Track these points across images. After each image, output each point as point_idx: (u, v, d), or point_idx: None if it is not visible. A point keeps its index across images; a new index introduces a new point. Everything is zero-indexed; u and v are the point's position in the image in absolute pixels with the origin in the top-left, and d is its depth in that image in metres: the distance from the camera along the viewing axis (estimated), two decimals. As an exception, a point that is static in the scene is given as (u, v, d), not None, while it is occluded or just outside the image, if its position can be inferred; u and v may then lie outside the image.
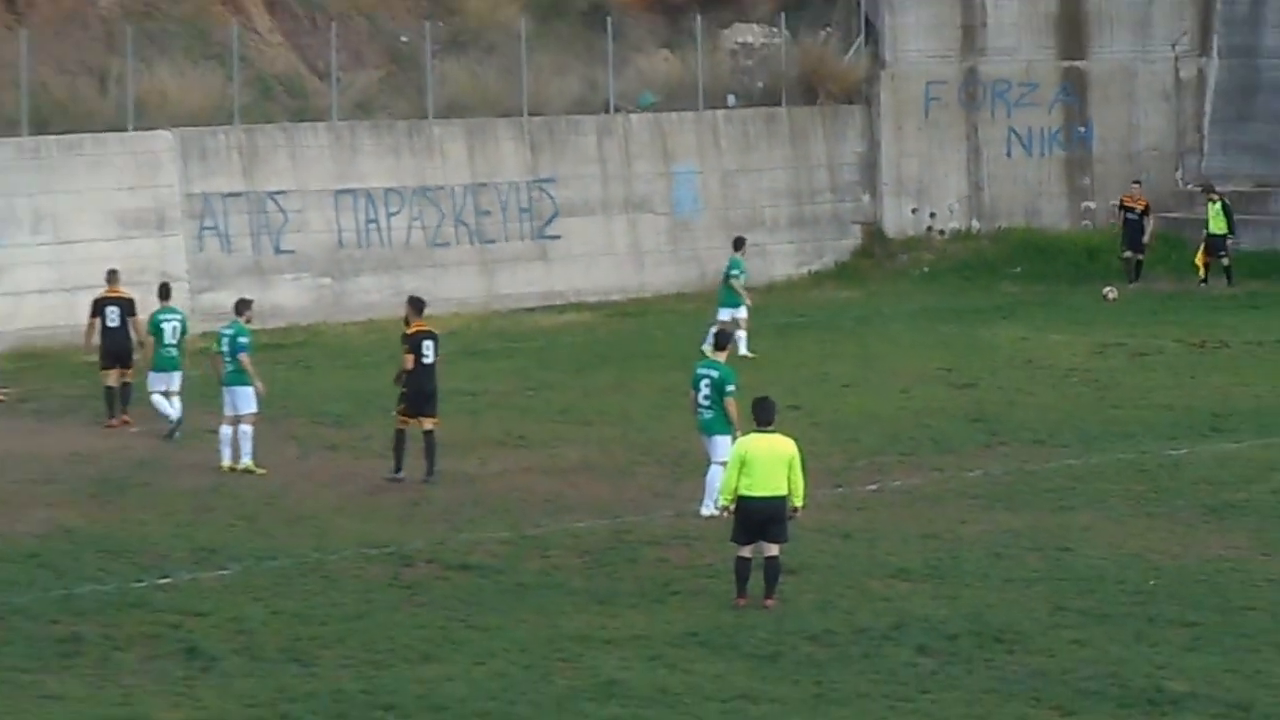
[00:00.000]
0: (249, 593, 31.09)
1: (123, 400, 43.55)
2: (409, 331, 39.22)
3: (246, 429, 39.55)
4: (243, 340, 39.88)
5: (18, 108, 52.99)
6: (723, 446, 33.64)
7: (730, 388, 34.51)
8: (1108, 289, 59.15)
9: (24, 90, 53.04)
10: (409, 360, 38.72)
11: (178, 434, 42.26)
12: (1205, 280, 60.33)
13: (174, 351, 43.01)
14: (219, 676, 27.27)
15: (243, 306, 41.25)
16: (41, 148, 52.92)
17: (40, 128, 53.22)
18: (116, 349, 43.41)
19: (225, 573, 32.23)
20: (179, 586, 31.47)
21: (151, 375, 43.00)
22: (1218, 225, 60.39)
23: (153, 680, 27.10)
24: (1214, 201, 60.89)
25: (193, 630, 29.20)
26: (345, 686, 26.76)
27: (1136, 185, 62.18)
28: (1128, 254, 60.96)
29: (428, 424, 38.65)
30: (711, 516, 33.45)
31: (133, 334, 43.51)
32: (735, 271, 50.81)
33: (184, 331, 43.37)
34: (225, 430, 39.55)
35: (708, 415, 34.93)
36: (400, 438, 38.68)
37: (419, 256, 57.36)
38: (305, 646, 28.49)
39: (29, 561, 32.98)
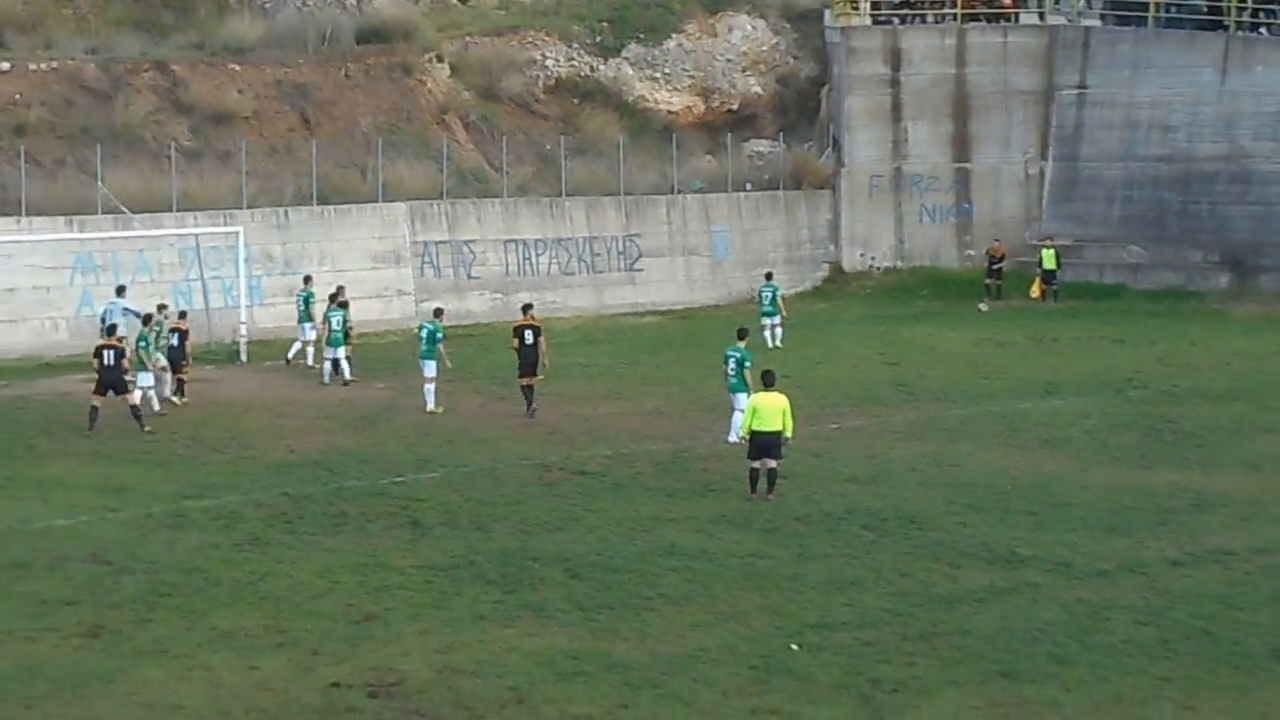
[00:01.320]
0: (450, 487, 31.10)
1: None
2: (517, 324, 39.66)
3: (430, 387, 39.55)
4: (438, 335, 39.95)
5: (310, 187, 53.06)
6: (742, 400, 33.59)
7: (748, 363, 34.48)
8: (981, 304, 58.91)
9: (314, 176, 53.09)
10: (515, 342, 39.28)
11: (345, 383, 42.93)
12: (1042, 300, 59.77)
13: (340, 335, 43.26)
14: (431, 539, 27.31)
15: (438, 313, 41.34)
16: (325, 213, 52.97)
17: (324, 199, 53.26)
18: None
19: (435, 475, 32.25)
20: (407, 483, 31.50)
21: (326, 348, 43.41)
22: (1049, 263, 60.46)
23: (390, 540, 27.16)
24: (1048, 248, 61.01)
25: (415, 510, 29.24)
26: (509, 545, 26.77)
27: (997, 241, 61.74)
28: (989, 282, 60.43)
29: (531, 381, 38.85)
30: (734, 444, 33.38)
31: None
32: (771, 295, 50.64)
33: (346, 322, 43.37)
34: (428, 387, 39.55)
35: (733, 380, 34.89)
36: (523, 390, 38.88)
37: (555, 281, 57.30)
38: (484, 520, 28.51)
39: (315, 466, 33.06)
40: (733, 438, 34.05)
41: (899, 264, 64.33)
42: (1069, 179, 63.71)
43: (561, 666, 20.97)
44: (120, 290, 44.60)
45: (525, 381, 39.15)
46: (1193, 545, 26.95)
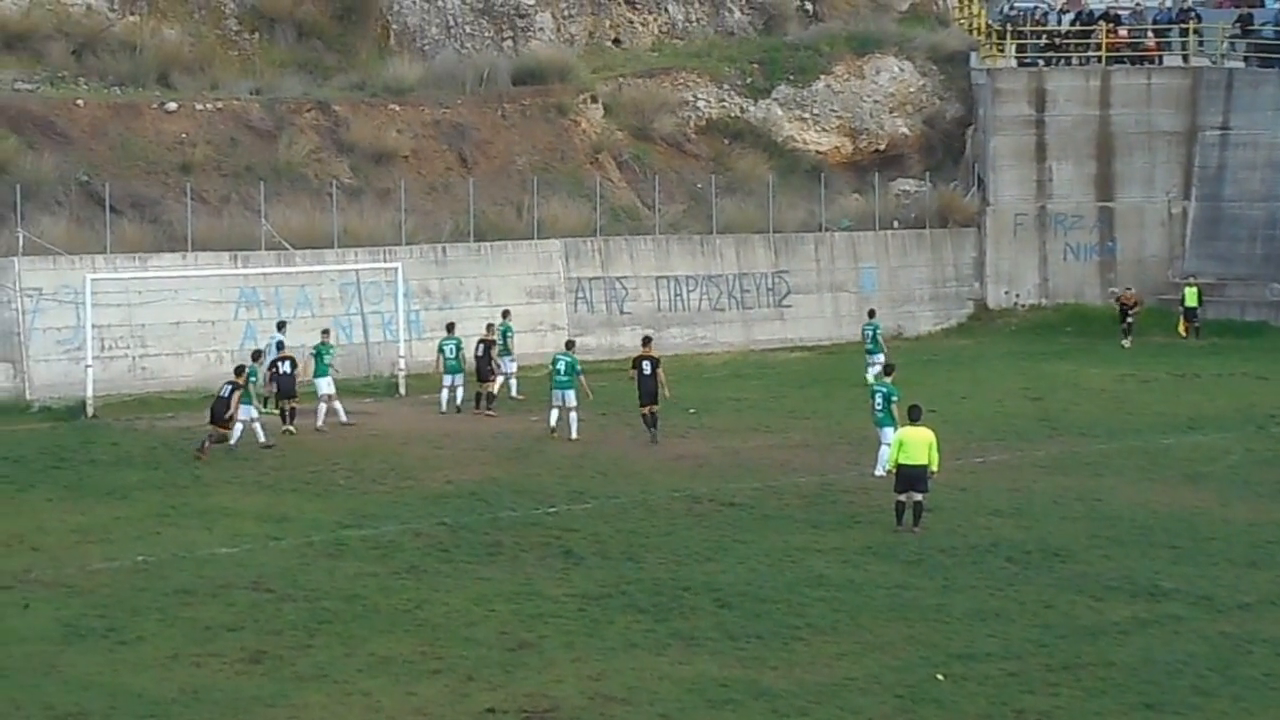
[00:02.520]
0: (602, 518, 31.20)
1: (488, 401, 44.25)
2: (636, 356, 40.52)
3: (572, 415, 40.09)
4: (577, 366, 40.52)
5: (467, 224, 53.47)
6: (889, 434, 33.45)
7: (895, 398, 34.35)
8: (1124, 341, 58.21)
9: (471, 214, 53.50)
10: (633, 372, 40.12)
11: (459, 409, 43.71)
12: (1185, 337, 58.78)
13: (455, 362, 44.06)
14: (584, 569, 27.41)
15: (570, 345, 42.21)
16: (481, 249, 53.32)
17: (480, 236, 53.64)
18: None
19: (588, 506, 32.36)
20: (560, 513, 31.63)
21: (444, 376, 44.04)
22: (1192, 301, 59.58)
23: (544, 570, 27.27)
24: (1191, 286, 59.88)
25: (568, 540, 29.36)
26: (660, 575, 26.82)
27: (1129, 289, 60.15)
28: (1124, 327, 58.95)
29: (652, 410, 39.60)
30: (881, 477, 33.25)
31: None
32: (872, 333, 50.07)
33: (459, 349, 44.30)
34: (554, 413, 40.33)
35: (880, 415, 34.74)
36: (644, 418, 39.75)
37: (706, 317, 57.28)
38: (636, 550, 28.57)
39: (471, 497, 33.27)
40: (879, 471, 33.91)
41: (1043, 301, 63.80)
42: (1212, 218, 62.93)
43: (711, 694, 20.98)
44: (281, 325, 45.18)
45: (646, 410, 39.76)
46: (1339, 581, 26.56)
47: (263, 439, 38.72)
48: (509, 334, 46.48)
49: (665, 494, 33.42)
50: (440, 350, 44.38)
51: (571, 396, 40.18)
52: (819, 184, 60.74)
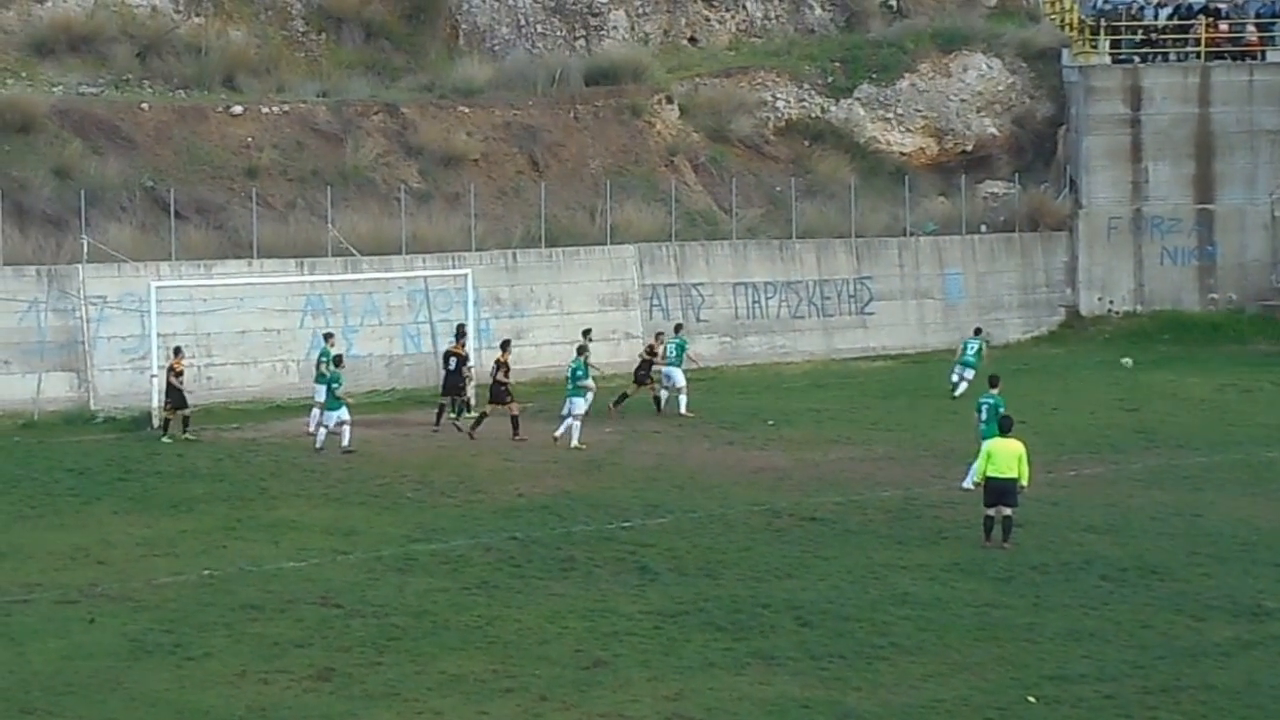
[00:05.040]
0: (678, 533, 31.26)
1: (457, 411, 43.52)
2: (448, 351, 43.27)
3: (575, 421, 40.56)
4: (579, 371, 41.06)
5: (539, 229, 53.64)
6: None
7: (1002, 410, 34.28)
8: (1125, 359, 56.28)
9: (542, 218, 53.65)
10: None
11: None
12: None
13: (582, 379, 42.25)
14: (660, 585, 27.49)
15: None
16: (553, 255, 53.47)
17: (552, 242, 53.79)
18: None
19: (663, 520, 32.43)
20: (634, 528, 31.71)
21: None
22: None
23: (618, 586, 27.37)
24: None
25: (643, 555, 29.44)
26: (738, 592, 26.86)
27: None
28: None
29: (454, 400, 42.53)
30: (969, 489, 33.21)
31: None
32: (976, 348, 49.92)
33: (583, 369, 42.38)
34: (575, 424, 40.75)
35: (985, 428, 34.37)
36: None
37: (785, 325, 57.24)
38: (713, 566, 28.63)
39: (543, 511, 33.39)
40: (968, 484, 33.86)
41: (1138, 308, 63.42)
42: (1318, 221, 62.47)
43: (793, 715, 21.00)
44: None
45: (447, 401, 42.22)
46: None
47: (345, 443, 39.18)
48: (683, 348, 46.29)
49: (744, 508, 33.44)
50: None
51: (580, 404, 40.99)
52: (903, 186, 60.60)
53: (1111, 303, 63.39)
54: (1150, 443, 41.27)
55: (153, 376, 43.32)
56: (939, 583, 27.42)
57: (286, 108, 55.14)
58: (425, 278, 49.97)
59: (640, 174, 58.32)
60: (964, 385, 48.32)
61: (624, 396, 44.77)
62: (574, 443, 40.30)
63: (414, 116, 56.38)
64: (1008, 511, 29.86)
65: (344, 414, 39.77)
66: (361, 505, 34.06)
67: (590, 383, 41.65)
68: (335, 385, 39.93)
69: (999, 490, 29.79)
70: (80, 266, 46.21)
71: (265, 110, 54.64)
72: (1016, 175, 63.91)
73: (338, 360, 41.19)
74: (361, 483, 36.23)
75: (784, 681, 22.28)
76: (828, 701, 21.46)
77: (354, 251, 49.98)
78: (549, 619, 25.27)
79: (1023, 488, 30.09)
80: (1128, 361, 55.54)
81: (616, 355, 52.01)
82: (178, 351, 42.32)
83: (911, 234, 60.29)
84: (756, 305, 56.88)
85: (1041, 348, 59.92)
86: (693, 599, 26.35)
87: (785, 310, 57.10)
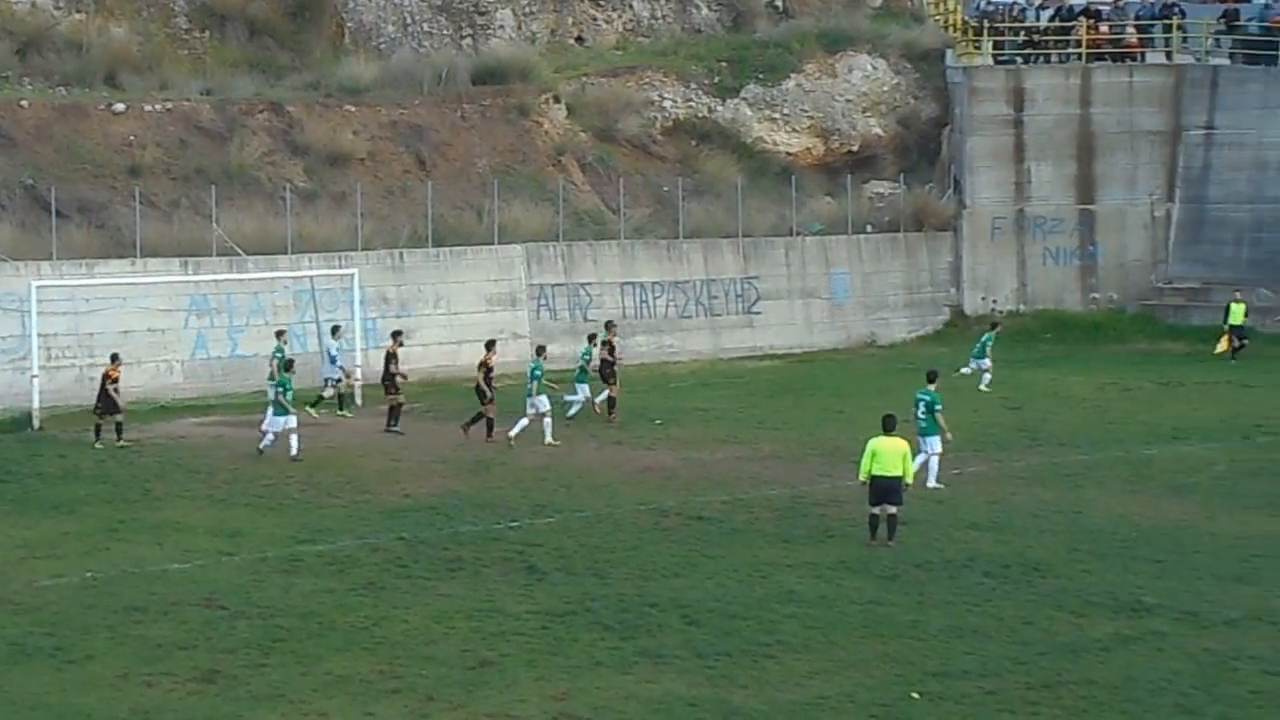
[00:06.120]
0: (566, 532, 31.26)
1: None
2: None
3: (548, 421, 40.70)
4: (538, 373, 40.87)
5: (425, 229, 53.51)
6: (933, 443, 34.89)
7: (939, 406, 34.71)
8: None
9: (429, 218, 53.53)
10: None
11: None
12: (1233, 357, 55.84)
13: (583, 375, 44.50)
14: (547, 585, 27.48)
15: (540, 351, 42.01)
16: (440, 255, 53.37)
17: (439, 241, 53.68)
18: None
19: (551, 520, 32.41)
20: (523, 528, 31.68)
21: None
22: (1238, 318, 56.78)
23: (505, 586, 27.34)
24: (1239, 302, 57.15)
25: (531, 555, 29.41)
26: (626, 591, 26.90)
27: (1240, 303, 57.19)
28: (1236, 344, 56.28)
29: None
30: (937, 488, 34.27)
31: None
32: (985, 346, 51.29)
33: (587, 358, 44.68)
34: (546, 421, 40.77)
35: (924, 424, 35.13)
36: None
37: (672, 325, 57.41)
38: (600, 566, 28.65)
39: (430, 511, 33.30)
40: (933, 482, 34.65)
41: (1021, 307, 64.03)
42: (1196, 221, 63.23)
43: (679, 714, 21.06)
44: (335, 330, 46.49)
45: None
46: (1325, 595, 26.76)
47: (295, 451, 38.68)
48: (589, 356, 45.96)
49: (631, 508, 33.49)
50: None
51: (545, 402, 40.77)
52: (789, 186, 60.90)
53: (995, 302, 63.97)
54: (1033, 441, 41.64)
55: (34, 377, 42.90)
56: (825, 581, 27.56)
57: (170, 106, 54.72)
58: (311, 277, 49.70)
59: (527, 173, 58.31)
60: (987, 376, 50.16)
61: (613, 401, 44.46)
62: (548, 439, 40.53)
63: (299, 115, 56.11)
64: (893, 510, 30.03)
65: (291, 421, 39.08)
66: (247, 506, 33.86)
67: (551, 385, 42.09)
68: (280, 390, 39.34)
69: (884, 489, 29.95)
70: (-41, 266, 45.73)
71: (148, 108, 54.21)
72: (902, 175, 64.38)
73: (289, 364, 40.82)
74: (247, 484, 36.01)
75: (671, 680, 22.34)
76: (714, 700, 21.54)
77: (239, 251, 49.68)
78: (436, 619, 25.22)
79: (907, 486, 30.30)
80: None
81: (504, 355, 51.85)
82: (114, 359, 41.43)
83: (798, 234, 60.59)
84: (644, 305, 57.02)
85: (927, 347, 60.33)
86: (580, 598, 26.37)
87: (673, 310, 57.25)
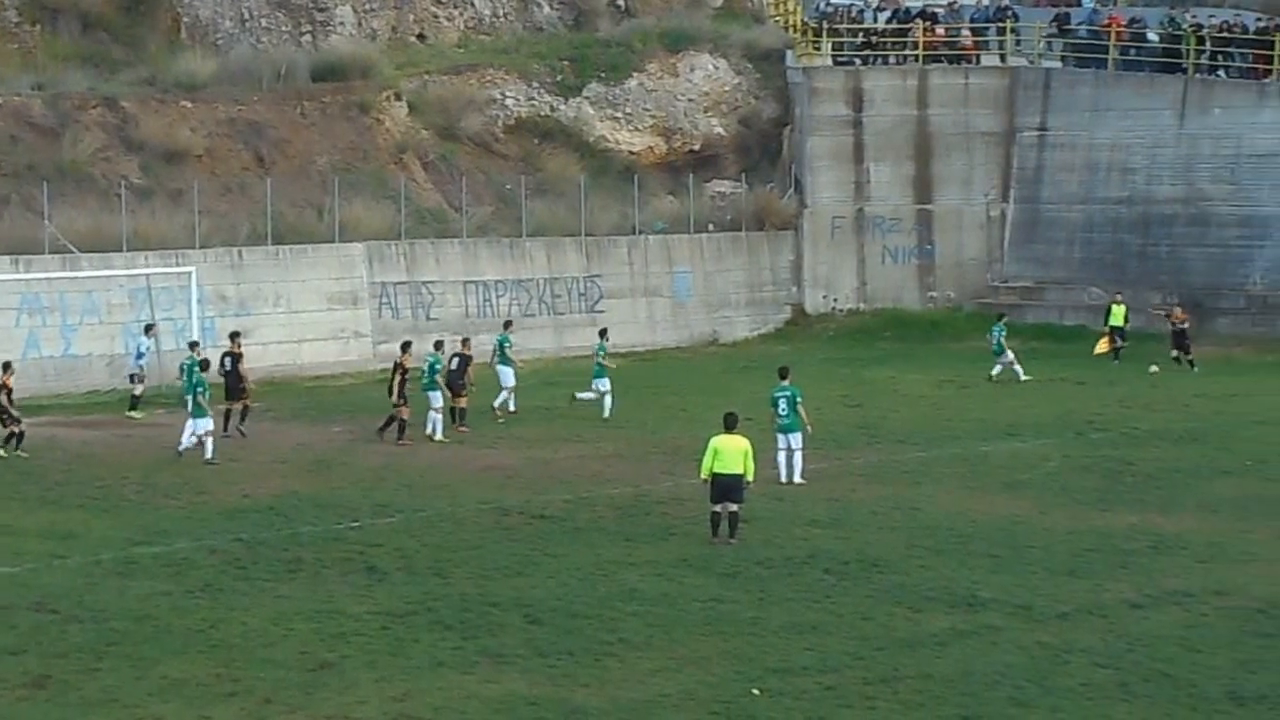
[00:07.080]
0: (407, 532, 31.08)
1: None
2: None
3: (437, 417, 41.47)
4: (437, 366, 41.92)
5: (265, 227, 53.05)
6: (796, 439, 35.21)
7: (800, 399, 34.86)
8: (1152, 366, 53.94)
9: (268, 215, 53.10)
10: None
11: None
12: (1116, 358, 55.43)
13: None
14: (388, 585, 27.28)
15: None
16: (280, 253, 52.94)
17: (279, 239, 53.25)
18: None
19: (392, 520, 32.22)
20: (363, 528, 31.47)
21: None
22: (1119, 319, 56.49)
23: (345, 587, 27.12)
24: (1120, 304, 56.98)
25: (372, 555, 29.21)
26: (467, 591, 26.77)
27: (1179, 306, 56.40)
28: (1174, 354, 54.50)
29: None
30: (802, 483, 34.85)
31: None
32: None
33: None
34: (434, 416, 41.41)
35: (786, 420, 35.38)
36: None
37: (516, 323, 57.19)
38: (442, 566, 28.50)
39: (269, 512, 32.99)
40: (793, 477, 35.26)
41: (861, 306, 64.59)
42: (1030, 221, 64.09)
43: (521, 713, 20.98)
44: (148, 329, 46.08)
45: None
46: (1152, 588, 27.12)
47: (209, 454, 38.11)
48: (505, 344, 45.94)
49: (473, 506, 33.36)
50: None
51: (437, 398, 41.38)
52: (632, 185, 61.00)
53: (835, 301, 64.50)
54: (872, 438, 41.96)
55: None
56: (667, 578, 27.58)
57: (0, 101, 53.83)
58: (148, 276, 49.09)
59: (369, 171, 57.98)
60: (999, 369, 51.03)
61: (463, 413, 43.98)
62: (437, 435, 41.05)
63: (134, 111, 55.41)
64: (734, 507, 30.09)
65: (208, 424, 38.58)
66: (80, 508, 33.36)
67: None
68: (200, 391, 38.63)
69: (725, 486, 29.99)
70: None
71: (-23, 103, 53.36)
72: (743, 175, 64.71)
73: (204, 365, 40.10)
74: (80, 485, 35.50)
75: (512, 679, 22.25)
76: (556, 699, 21.48)
77: (72, 249, 48.96)
78: (274, 621, 24.96)
79: (749, 484, 30.38)
80: (1154, 369, 53.58)
81: (345, 354, 51.74)
82: (6, 367, 40.33)
83: (641, 232, 60.71)
84: (487, 303, 56.89)
85: (768, 345, 60.67)
86: (421, 598, 26.21)
87: (516, 308, 57.13)
